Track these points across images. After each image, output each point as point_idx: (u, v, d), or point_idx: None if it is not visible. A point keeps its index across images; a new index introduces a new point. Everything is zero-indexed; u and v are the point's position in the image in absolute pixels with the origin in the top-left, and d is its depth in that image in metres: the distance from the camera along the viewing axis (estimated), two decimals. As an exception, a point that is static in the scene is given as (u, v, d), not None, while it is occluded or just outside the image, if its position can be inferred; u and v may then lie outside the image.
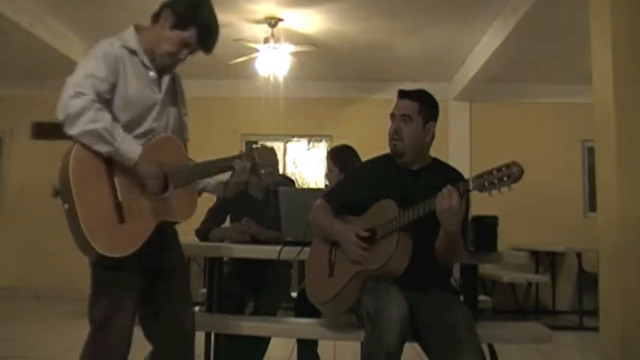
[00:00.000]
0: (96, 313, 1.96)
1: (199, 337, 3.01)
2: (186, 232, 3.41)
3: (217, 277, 2.95)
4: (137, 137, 1.97)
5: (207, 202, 3.41)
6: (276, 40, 5.33)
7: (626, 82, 3.07)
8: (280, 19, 5.24)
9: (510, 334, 2.52)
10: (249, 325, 2.62)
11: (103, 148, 1.87)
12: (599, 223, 3.18)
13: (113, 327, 1.94)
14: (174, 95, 2.18)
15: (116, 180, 1.91)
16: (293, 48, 5.50)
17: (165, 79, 2.11)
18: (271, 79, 5.79)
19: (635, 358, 2.88)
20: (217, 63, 6.17)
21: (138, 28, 2.08)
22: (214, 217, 3.40)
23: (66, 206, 1.86)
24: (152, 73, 2.05)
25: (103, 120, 1.86)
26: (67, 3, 5.06)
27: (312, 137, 7.50)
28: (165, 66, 2.07)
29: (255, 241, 3.06)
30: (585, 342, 4.86)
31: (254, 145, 2.24)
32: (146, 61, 2.04)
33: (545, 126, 6.97)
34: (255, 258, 3.00)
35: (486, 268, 5.74)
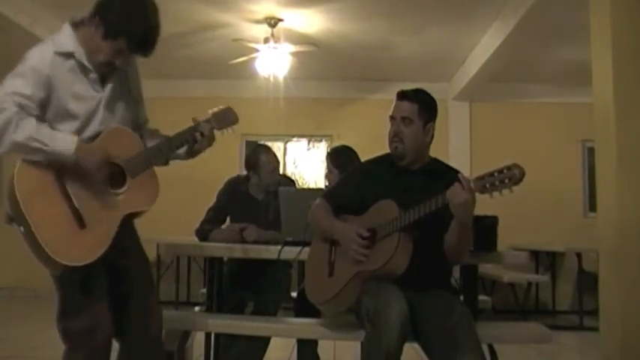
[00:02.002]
0: (74, 327, 1.91)
1: (199, 337, 3.02)
2: (187, 232, 3.43)
3: (217, 277, 2.95)
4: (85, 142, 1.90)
5: (207, 201, 3.42)
6: (276, 40, 5.33)
7: (626, 82, 3.07)
8: (280, 19, 5.24)
9: (510, 334, 2.52)
10: (249, 325, 2.62)
11: (37, 157, 1.82)
12: (599, 223, 3.18)
13: (97, 340, 1.90)
14: (122, 85, 2.06)
15: (68, 187, 1.85)
16: (293, 48, 5.50)
17: (110, 79, 2.00)
18: (271, 79, 5.79)
19: (635, 358, 2.88)
20: (217, 63, 6.19)
21: (75, 24, 1.96)
22: (214, 217, 3.39)
23: (22, 229, 1.80)
24: (92, 75, 1.95)
25: (26, 128, 1.78)
26: (67, 3, 5.03)
27: (312, 137, 7.51)
28: (103, 71, 1.97)
29: (254, 241, 3.06)
30: (585, 342, 4.86)
31: (210, 111, 2.16)
32: (85, 61, 1.92)
33: (545, 126, 6.97)
34: (255, 258, 3.00)
35: (486, 268, 5.73)
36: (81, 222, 1.84)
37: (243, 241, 3.07)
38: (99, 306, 1.93)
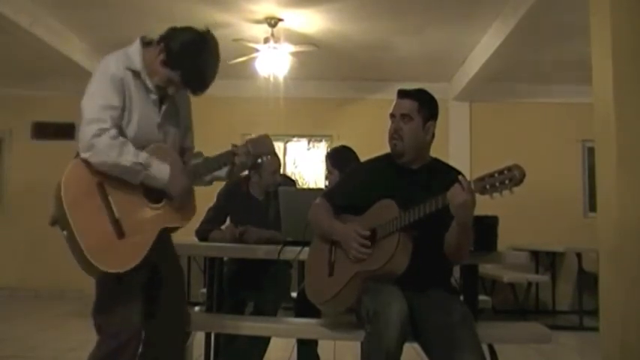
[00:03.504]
0: (104, 324, 2.00)
1: (199, 337, 3.02)
2: (187, 232, 3.42)
3: (217, 277, 2.95)
4: None
5: (207, 201, 3.42)
6: (276, 40, 5.33)
7: (626, 82, 3.07)
8: (280, 19, 5.24)
9: (510, 334, 2.52)
10: (249, 325, 2.62)
11: (134, 180, 1.95)
12: (599, 223, 3.18)
13: (122, 340, 1.97)
14: (175, 112, 2.18)
15: (110, 197, 1.94)
16: (293, 48, 5.50)
17: (166, 101, 2.12)
18: (271, 79, 5.79)
19: (635, 358, 2.88)
20: (217, 63, 6.19)
21: (144, 42, 2.07)
22: (214, 217, 3.40)
23: (65, 233, 1.89)
24: (153, 96, 2.07)
25: (130, 152, 1.92)
26: (67, 3, 5.06)
27: (312, 137, 7.51)
28: (160, 94, 2.08)
29: (255, 241, 3.06)
30: (585, 342, 4.86)
31: (247, 138, 2.24)
32: (148, 82, 2.04)
33: (545, 126, 6.97)
34: (255, 258, 3.00)
35: (486, 268, 5.74)
36: (120, 232, 1.93)
37: (243, 242, 3.07)
38: (130, 308, 2.00)
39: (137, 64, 2.02)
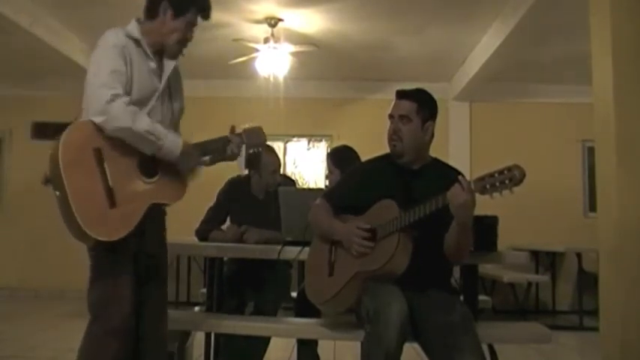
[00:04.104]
0: (93, 298, 2.00)
1: (199, 337, 3.02)
2: (187, 232, 3.42)
3: (217, 277, 2.95)
4: None
5: (207, 201, 3.42)
6: (276, 40, 5.33)
7: (626, 82, 3.07)
8: (280, 19, 5.24)
9: (510, 334, 2.52)
10: (249, 325, 2.62)
11: (147, 150, 1.97)
12: (599, 223, 3.18)
13: (111, 313, 1.97)
14: (175, 88, 2.23)
15: (106, 165, 1.94)
16: (293, 48, 5.50)
17: (167, 71, 2.16)
18: (271, 79, 5.79)
19: (635, 358, 2.88)
20: (217, 63, 6.19)
21: (139, 20, 2.15)
22: (214, 217, 3.39)
23: (57, 193, 1.89)
24: (152, 64, 2.11)
25: (144, 121, 1.94)
26: (67, 3, 5.05)
27: (312, 137, 7.50)
28: (175, 53, 2.15)
29: (255, 242, 3.06)
30: (585, 342, 4.86)
31: (241, 127, 2.30)
32: (148, 51, 2.10)
33: (545, 126, 6.97)
34: (255, 258, 3.00)
35: (486, 268, 5.74)
36: (112, 201, 1.93)
37: (243, 242, 3.07)
38: (120, 284, 2.00)
39: (136, 33, 2.09)
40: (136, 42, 2.09)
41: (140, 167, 2.02)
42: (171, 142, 2.01)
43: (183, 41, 2.14)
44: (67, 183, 1.85)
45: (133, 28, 2.11)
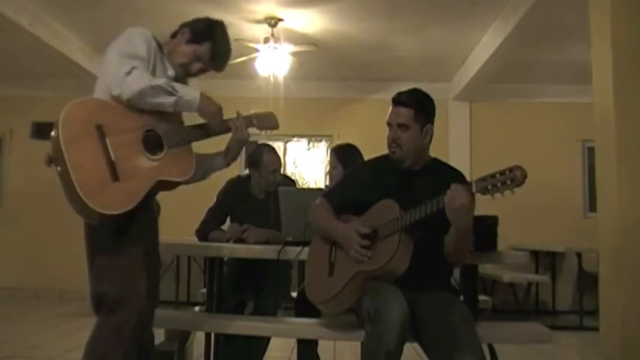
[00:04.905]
0: (110, 294, 1.92)
1: (199, 337, 3.02)
2: (187, 232, 3.43)
3: (217, 277, 2.95)
4: None
5: (207, 201, 3.42)
6: (276, 40, 5.33)
7: (626, 82, 3.06)
8: (280, 19, 5.24)
9: (510, 334, 2.52)
10: (249, 325, 2.62)
11: (168, 100, 1.99)
12: (599, 223, 3.17)
13: (130, 314, 1.91)
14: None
15: (108, 140, 1.93)
16: (293, 48, 5.50)
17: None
18: (271, 79, 5.79)
19: (635, 358, 2.88)
20: (217, 63, 6.19)
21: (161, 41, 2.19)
22: (214, 217, 3.39)
23: (59, 169, 1.88)
24: (171, 72, 2.15)
25: (160, 79, 1.99)
26: (67, 3, 5.06)
27: (312, 137, 7.50)
28: (177, 76, 2.17)
29: (255, 242, 3.06)
30: (585, 342, 4.86)
31: (252, 111, 2.35)
32: (167, 59, 2.16)
33: (545, 126, 6.97)
34: (255, 258, 3.00)
35: (486, 268, 5.74)
36: (114, 174, 1.91)
37: (242, 241, 3.07)
38: (133, 273, 1.96)
39: (160, 40, 2.15)
40: (159, 47, 2.14)
41: (145, 144, 2.00)
42: (188, 93, 2.04)
43: (185, 67, 2.17)
44: (67, 157, 1.84)
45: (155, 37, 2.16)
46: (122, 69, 1.94)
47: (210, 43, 2.17)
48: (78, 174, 1.84)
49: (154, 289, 2.05)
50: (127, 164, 1.94)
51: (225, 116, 2.25)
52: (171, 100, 2.00)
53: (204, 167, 2.29)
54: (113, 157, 1.91)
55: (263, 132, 2.39)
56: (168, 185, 2.09)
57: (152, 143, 2.02)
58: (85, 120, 1.92)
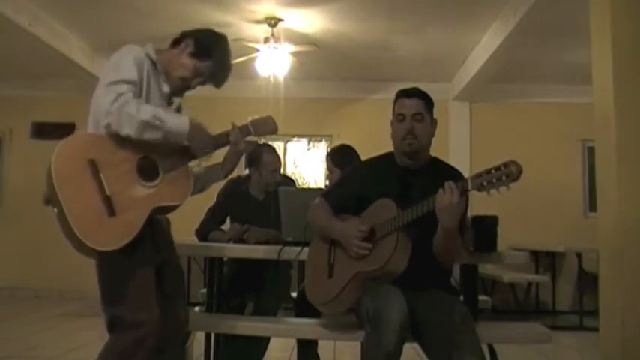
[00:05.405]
0: (123, 315, 1.93)
1: (199, 337, 3.02)
2: (187, 232, 3.42)
3: (217, 277, 2.95)
4: None
5: (207, 201, 3.42)
6: (276, 40, 5.33)
7: (626, 82, 3.06)
8: (280, 19, 5.24)
9: (510, 334, 2.52)
10: (249, 325, 2.62)
11: (155, 135, 1.94)
12: (599, 223, 3.17)
13: (145, 334, 1.92)
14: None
15: (102, 175, 1.92)
16: (293, 48, 5.50)
17: (176, 101, 2.19)
18: (271, 79, 5.79)
19: (635, 358, 2.88)
20: (217, 63, 6.19)
21: (157, 49, 2.16)
22: (214, 217, 3.40)
23: (55, 210, 1.88)
24: (166, 89, 2.14)
25: (148, 109, 1.93)
26: (67, 3, 5.05)
27: (312, 137, 7.50)
28: (175, 88, 2.16)
29: (255, 242, 3.06)
30: (585, 342, 4.86)
31: (249, 118, 2.30)
32: (162, 77, 2.13)
33: (545, 126, 6.97)
34: (255, 258, 3.00)
35: (486, 268, 5.74)
36: (111, 210, 1.91)
37: (242, 241, 3.07)
38: (146, 294, 1.97)
39: (154, 57, 2.11)
40: (153, 63, 2.10)
41: (139, 172, 1.99)
42: (176, 123, 1.98)
43: (185, 81, 2.14)
44: (62, 198, 1.84)
45: (150, 50, 2.12)
46: (107, 99, 1.90)
47: (212, 62, 2.14)
48: (74, 214, 1.84)
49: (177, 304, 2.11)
50: (122, 197, 1.93)
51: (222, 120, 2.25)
52: (158, 135, 1.95)
53: (203, 180, 2.30)
54: (108, 192, 1.91)
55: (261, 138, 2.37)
56: (167, 209, 2.09)
57: (147, 170, 2.01)
58: (78, 157, 1.92)
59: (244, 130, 2.24)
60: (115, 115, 1.89)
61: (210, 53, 2.13)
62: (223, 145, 2.19)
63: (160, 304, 2.02)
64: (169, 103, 2.18)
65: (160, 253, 2.10)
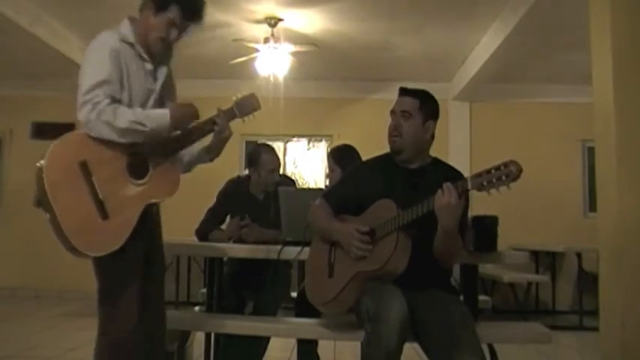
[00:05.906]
0: (110, 314, 1.97)
1: (199, 337, 3.02)
2: (187, 232, 3.43)
3: (217, 277, 2.95)
4: None
5: (207, 201, 3.42)
6: (276, 40, 5.33)
7: (626, 82, 3.06)
8: (280, 19, 5.24)
9: (510, 334, 2.52)
10: (249, 325, 2.62)
11: (138, 137, 1.96)
12: (599, 223, 3.17)
13: (129, 332, 1.96)
14: (169, 89, 2.22)
15: (94, 177, 1.92)
16: (293, 48, 5.50)
17: (162, 72, 2.16)
18: (271, 79, 5.78)
19: (635, 358, 2.88)
20: (218, 63, 6.19)
21: (132, 20, 2.12)
22: (214, 217, 3.40)
23: (48, 216, 1.88)
24: (148, 65, 2.11)
25: (125, 114, 1.92)
26: (67, 3, 5.05)
27: (312, 137, 7.51)
28: (159, 52, 2.12)
29: (254, 241, 3.06)
30: (585, 342, 4.86)
31: (233, 97, 2.28)
32: (142, 52, 2.09)
33: (545, 126, 6.97)
34: (255, 258, 3.00)
35: (486, 268, 5.74)
36: (104, 213, 1.91)
37: (242, 241, 3.07)
38: (132, 294, 1.99)
39: (130, 37, 2.07)
40: (131, 45, 2.07)
41: (129, 170, 2.00)
42: (156, 120, 1.98)
43: (164, 40, 2.09)
44: (54, 204, 1.84)
45: (127, 30, 2.09)
46: (84, 110, 1.91)
47: (176, 4, 2.06)
48: (66, 220, 1.85)
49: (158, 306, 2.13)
50: (115, 198, 1.93)
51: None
52: (140, 136, 1.97)
53: (187, 160, 2.28)
54: (101, 196, 1.91)
55: (248, 117, 2.31)
56: (157, 203, 2.11)
57: (137, 167, 2.01)
58: (69, 160, 1.92)
59: (230, 114, 2.24)
60: (93, 125, 1.90)
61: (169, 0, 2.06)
62: (209, 131, 2.19)
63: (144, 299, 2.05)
64: (155, 78, 2.14)
65: (148, 241, 2.11)
